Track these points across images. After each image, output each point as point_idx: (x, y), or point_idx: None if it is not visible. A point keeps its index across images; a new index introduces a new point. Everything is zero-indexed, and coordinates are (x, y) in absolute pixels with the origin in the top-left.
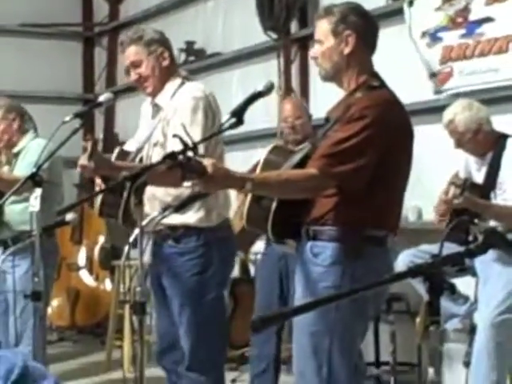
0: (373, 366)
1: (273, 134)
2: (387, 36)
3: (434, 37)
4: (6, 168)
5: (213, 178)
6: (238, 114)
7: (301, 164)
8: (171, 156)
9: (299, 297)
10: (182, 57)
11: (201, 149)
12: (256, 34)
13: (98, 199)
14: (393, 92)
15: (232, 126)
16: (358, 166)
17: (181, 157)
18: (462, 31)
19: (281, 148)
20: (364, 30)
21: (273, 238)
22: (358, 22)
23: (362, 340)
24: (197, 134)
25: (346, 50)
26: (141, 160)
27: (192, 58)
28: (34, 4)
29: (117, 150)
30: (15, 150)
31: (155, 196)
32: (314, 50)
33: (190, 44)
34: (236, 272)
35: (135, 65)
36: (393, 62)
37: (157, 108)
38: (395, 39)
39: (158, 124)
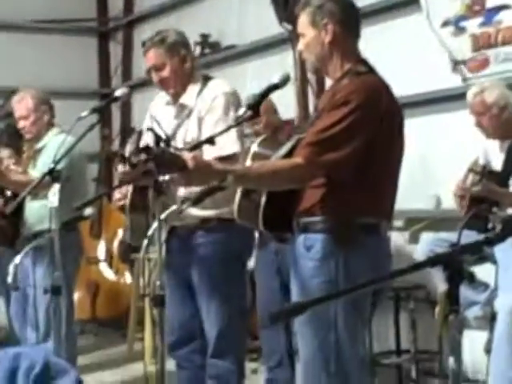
0: (394, 355)
1: None
2: (404, 25)
3: (457, 26)
4: (30, 164)
5: (193, 171)
6: (255, 107)
7: (288, 155)
8: (145, 149)
9: (296, 292)
10: (197, 50)
11: (235, 146)
12: (271, 26)
13: (128, 198)
14: (381, 77)
15: (249, 119)
16: (346, 153)
17: (155, 149)
18: (481, 19)
19: (270, 140)
20: (343, 16)
21: (265, 231)
22: (335, 10)
23: (366, 327)
24: (231, 131)
25: (327, 39)
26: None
27: (207, 51)
28: (48, 0)
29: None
30: (39, 145)
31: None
32: (300, 44)
33: (204, 37)
34: (253, 263)
35: (157, 68)
36: (411, 51)
37: (181, 108)
38: (413, 28)
39: (184, 122)
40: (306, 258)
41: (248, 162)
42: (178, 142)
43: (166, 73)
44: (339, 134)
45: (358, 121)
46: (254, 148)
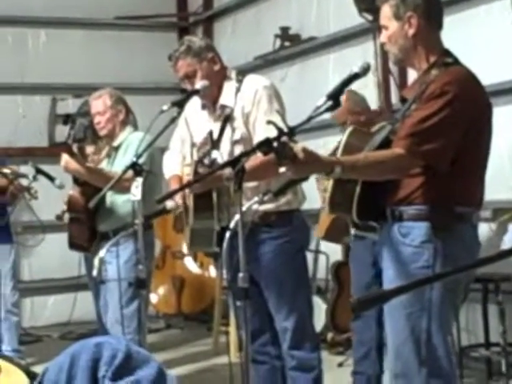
0: (483, 348)
1: None
2: (488, 12)
3: None
4: (105, 162)
5: (304, 163)
6: (335, 97)
7: (383, 146)
8: (265, 143)
9: (391, 278)
10: (278, 42)
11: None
12: (351, 17)
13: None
14: (468, 67)
15: (329, 109)
16: (445, 143)
17: (276, 143)
18: None
19: (360, 131)
20: (425, 8)
21: (358, 221)
22: (418, 2)
23: (457, 317)
24: (279, 120)
25: (410, 32)
26: (212, 163)
27: (287, 44)
28: None
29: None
30: (115, 143)
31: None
32: (382, 36)
33: (284, 29)
34: (339, 256)
35: (189, 76)
36: (496, 38)
37: (222, 108)
38: (496, 15)
39: (228, 122)
40: (403, 244)
41: (339, 152)
42: (225, 142)
43: (198, 80)
44: (437, 124)
45: (454, 111)
46: (345, 138)
